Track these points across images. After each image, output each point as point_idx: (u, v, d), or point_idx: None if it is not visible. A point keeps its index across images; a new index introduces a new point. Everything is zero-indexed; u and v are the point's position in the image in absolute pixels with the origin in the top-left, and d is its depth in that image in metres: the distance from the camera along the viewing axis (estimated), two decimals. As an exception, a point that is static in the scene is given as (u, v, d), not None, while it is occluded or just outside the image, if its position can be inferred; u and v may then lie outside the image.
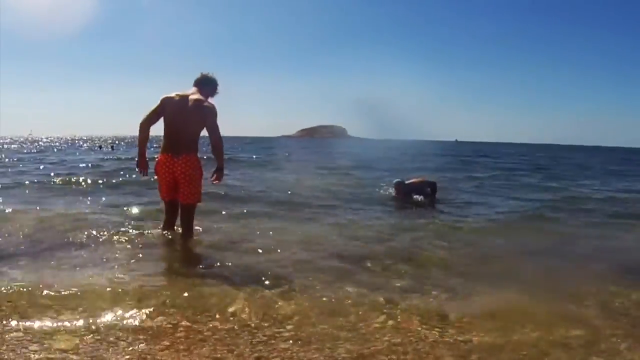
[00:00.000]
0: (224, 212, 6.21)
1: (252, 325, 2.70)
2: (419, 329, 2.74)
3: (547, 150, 54.27)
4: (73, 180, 10.13)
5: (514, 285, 3.54)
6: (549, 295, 3.38)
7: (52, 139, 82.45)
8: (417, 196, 8.12)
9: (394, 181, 8.60)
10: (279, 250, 4.36)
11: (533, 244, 5.13)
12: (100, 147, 35.43)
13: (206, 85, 4.44)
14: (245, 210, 6.47)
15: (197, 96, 4.30)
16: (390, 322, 2.80)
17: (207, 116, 4.24)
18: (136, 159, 4.48)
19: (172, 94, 4.29)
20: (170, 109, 4.24)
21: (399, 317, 2.88)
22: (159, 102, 4.28)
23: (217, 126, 4.26)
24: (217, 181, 4.38)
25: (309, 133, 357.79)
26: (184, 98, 4.27)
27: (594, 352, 2.50)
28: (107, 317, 2.70)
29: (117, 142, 52.90)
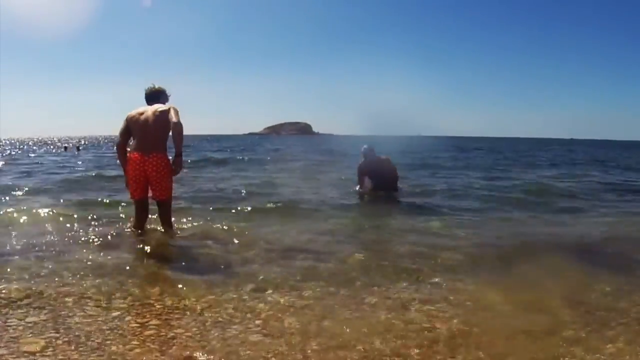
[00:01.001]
0: (197, 215, 6.15)
1: (223, 320, 2.74)
2: (384, 317, 2.83)
3: (511, 143, 55.36)
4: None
5: (475, 277, 3.64)
6: (511, 284, 3.51)
7: (14, 140, 79.63)
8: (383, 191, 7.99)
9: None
10: (252, 250, 4.38)
11: (493, 236, 5.27)
12: (65, 148, 34.26)
13: (157, 98, 4.64)
14: (221, 212, 6.42)
15: (154, 106, 4.52)
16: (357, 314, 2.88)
17: (167, 112, 4.38)
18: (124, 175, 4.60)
19: (133, 112, 4.52)
20: (135, 124, 4.44)
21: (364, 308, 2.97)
22: (124, 122, 4.53)
23: (177, 114, 4.37)
24: (176, 172, 4.38)
25: (275, 130, 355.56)
26: (145, 112, 4.48)
27: (556, 339, 2.57)
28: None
29: (83, 142, 51.54)
